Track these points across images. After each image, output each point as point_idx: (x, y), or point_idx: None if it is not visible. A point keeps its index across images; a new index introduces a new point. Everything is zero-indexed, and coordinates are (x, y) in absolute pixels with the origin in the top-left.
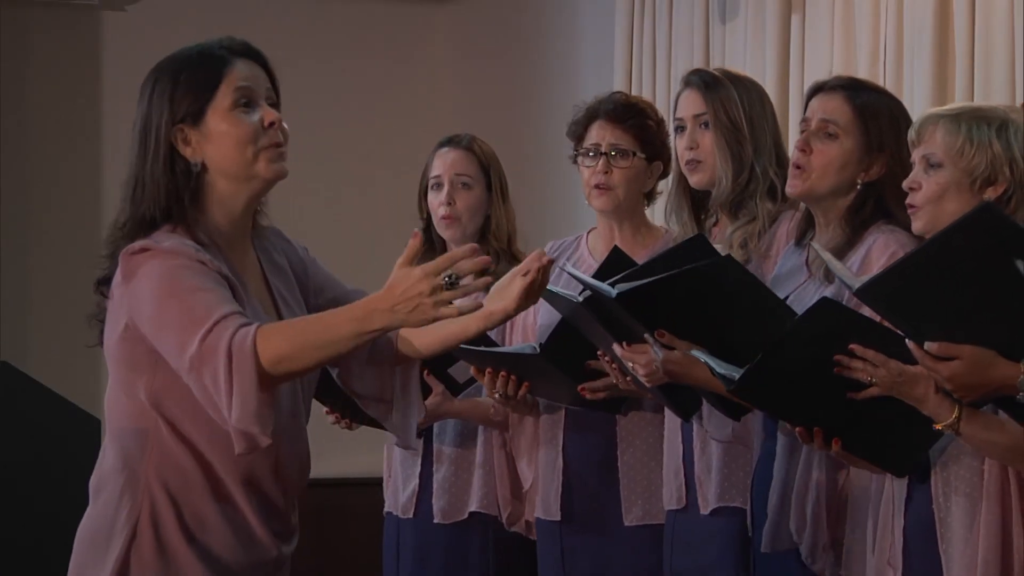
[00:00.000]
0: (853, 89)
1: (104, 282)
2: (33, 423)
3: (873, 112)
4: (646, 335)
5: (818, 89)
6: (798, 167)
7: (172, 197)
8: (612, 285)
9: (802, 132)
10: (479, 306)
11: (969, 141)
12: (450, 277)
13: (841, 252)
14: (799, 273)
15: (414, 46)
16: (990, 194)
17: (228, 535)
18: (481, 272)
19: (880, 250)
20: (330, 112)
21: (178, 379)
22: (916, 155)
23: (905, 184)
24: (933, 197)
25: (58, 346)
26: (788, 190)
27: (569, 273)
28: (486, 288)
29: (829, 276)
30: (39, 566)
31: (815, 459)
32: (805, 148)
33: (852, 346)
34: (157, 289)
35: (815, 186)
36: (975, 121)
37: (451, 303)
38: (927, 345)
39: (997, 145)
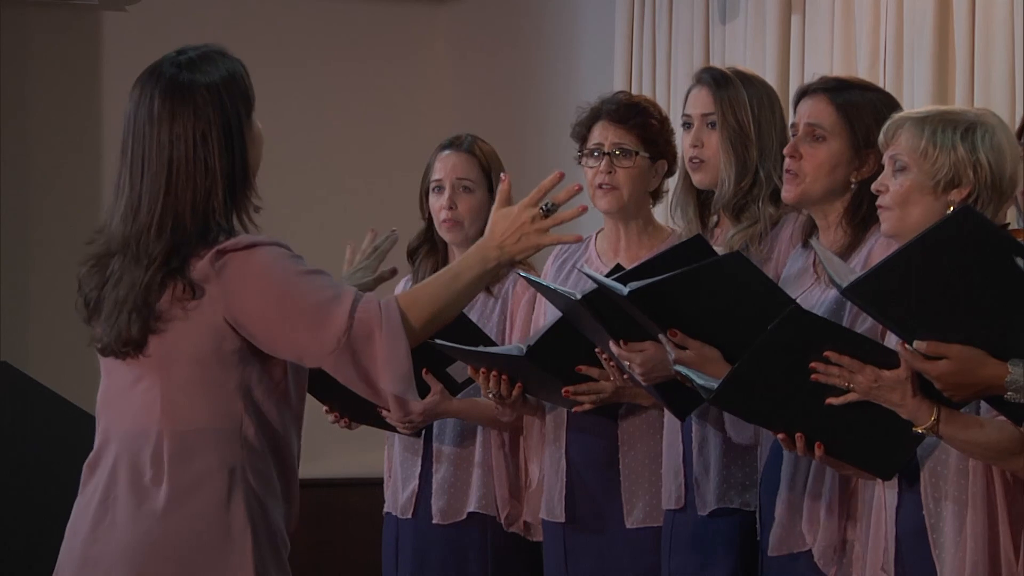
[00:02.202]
0: (835, 90)
1: (168, 286)
2: (33, 423)
3: (857, 110)
4: (660, 336)
5: (803, 93)
6: (790, 172)
7: (247, 196)
8: (624, 284)
9: (792, 138)
10: (578, 238)
11: (932, 144)
12: (547, 206)
13: (845, 254)
14: (806, 276)
15: (414, 46)
16: (954, 196)
17: (286, 538)
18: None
19: (881, 250)
20: (330, 112)
21: (265, 374)
22: (885, 157)
23: (873, 187)
24: (898, 199)
25: (58, 346)
26: (783, 196)
27: (584, 273)
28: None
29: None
30: (39, 566)
31: None
32: (794, 154)
33: (827, 353)
34: (276, 283)
35: (808, 190)
36: (940, 124)
37: (549, 231)
38: (916, 344)
39: (961, 148)
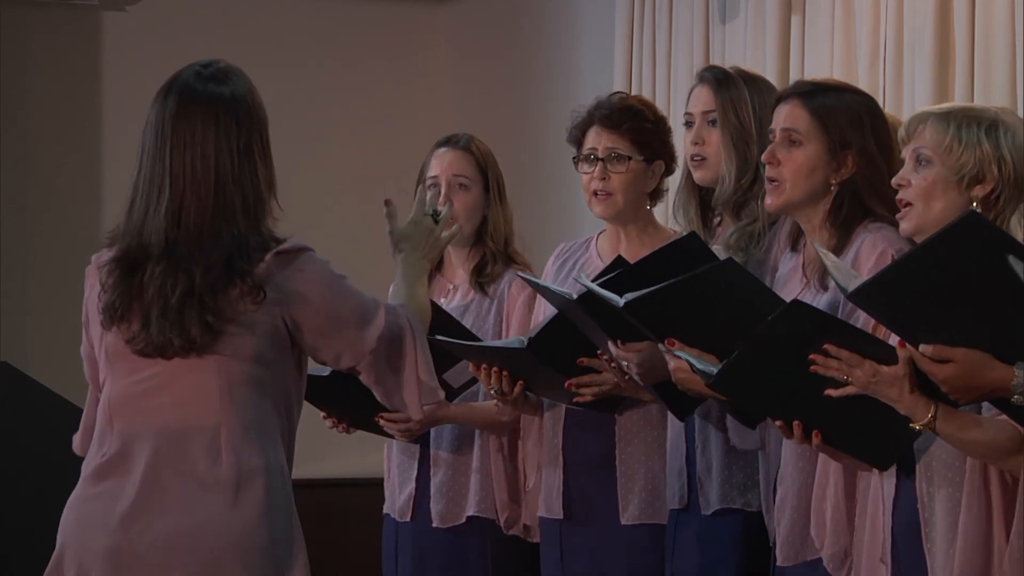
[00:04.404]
0: (809, 94)
1: (234, 285)
2: (33, 423)
3: (830, 112)
4: (660, 345)
5: (779, 99)
6: (771, 179)
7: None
8: (620, 295)
9: (770, 144)
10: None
11: (957, 139)
12: (434, 213)
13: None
14: (795, 279)
15: (414, 46)
16: (978, 192)
17: None
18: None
19: (869, 249)
20: (330, 112)
21: (297, 375)
22: (906, 152)
23: (894, 181)
24: (922, 194)
25: (58, 346)
26: (767, 205)
27: (580, 283)
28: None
29: (823, 282)
30: (39, 566)
31: (831, 464)
32: (772, 160)
33: (826, 346)
34: (329, 285)
35: (790, 197)
36: (964, 120)
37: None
38: (922, 347)
39: (986, 144)
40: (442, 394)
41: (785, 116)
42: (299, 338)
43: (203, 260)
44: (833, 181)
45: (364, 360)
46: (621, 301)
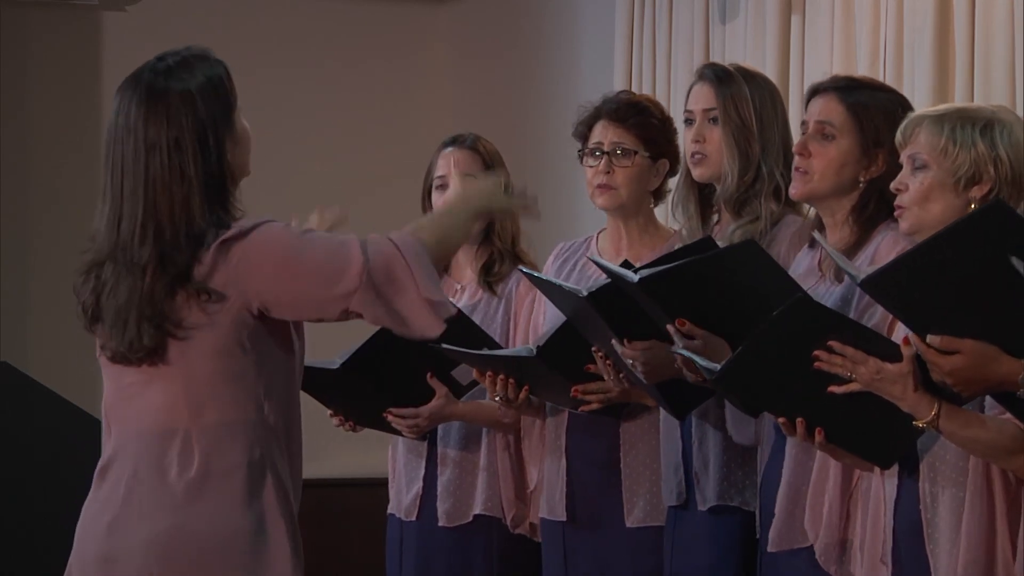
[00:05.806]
0: (846, 89)
1: (177, 292)
2: (33, 423)
3: (867, 109)
4: (668, 325)
5: (814, 91)
6: (799, 170)
7: (228, 198)
8: (635, 272)
9: (803, 135)
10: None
11: (952, 141)
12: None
13: (851, 251)
14: (811, 274)
15: (414, 46)
16: (975, 193)
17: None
18: None
19: (888, 247)
20: (330, 112)
21: (279, 353)
22: (903, 156)
23: (892, 186)
24: (918, 198)
25: (58, 346)
26: (791, 192)
27: (593, 261)
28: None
29: (839, 276)
30: (38, 566)
31: (831, 459)
32: (804, 152)
33: (831, 343)
34: (282, 248)
35: (817, 188)
36: (959, 121)
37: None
38: (929, 338)
39: (981, 144)
40: (455, 308)
41: (820, 109)
42: (278, 313)
43: (138, 263)
44: (862, 178)
45: (353, 303)
46: (636, 277)
